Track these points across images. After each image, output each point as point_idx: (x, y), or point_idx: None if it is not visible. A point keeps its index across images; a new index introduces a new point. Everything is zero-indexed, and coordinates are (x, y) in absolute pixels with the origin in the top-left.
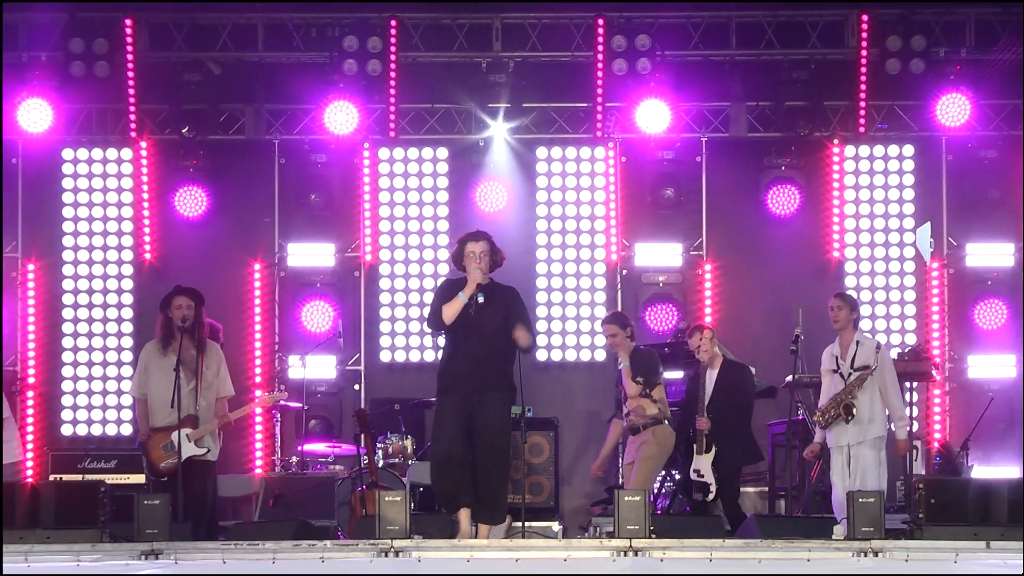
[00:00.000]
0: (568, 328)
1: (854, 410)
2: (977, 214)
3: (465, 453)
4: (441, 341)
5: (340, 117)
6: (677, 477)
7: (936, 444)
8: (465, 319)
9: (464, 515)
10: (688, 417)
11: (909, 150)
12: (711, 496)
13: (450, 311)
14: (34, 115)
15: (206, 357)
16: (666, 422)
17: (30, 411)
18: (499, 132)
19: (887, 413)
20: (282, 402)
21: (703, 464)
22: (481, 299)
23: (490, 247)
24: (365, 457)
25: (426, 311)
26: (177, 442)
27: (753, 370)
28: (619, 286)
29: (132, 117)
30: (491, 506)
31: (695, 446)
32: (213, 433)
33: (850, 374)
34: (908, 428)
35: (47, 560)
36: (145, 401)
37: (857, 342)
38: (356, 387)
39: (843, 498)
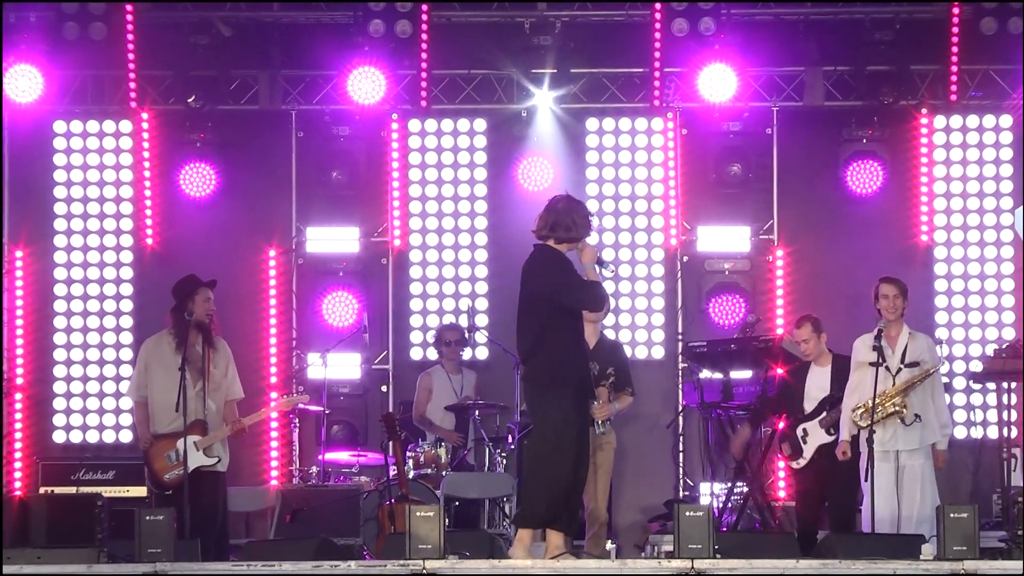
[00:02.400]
0: (622, 322)
1: (909, 410)
2: None
3: None
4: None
5: (365, 85)
6: (745, 489)
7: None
8: None
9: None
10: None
11: (1007, 120)
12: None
13: None
14: (22, 83)
15: (214, 355)
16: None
17: (18, 416)
18: (544, 101)
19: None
20: (301, 406)
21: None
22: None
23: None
24: (394, 467)
25: (463, 303)
26: (183, 451)
27: None
28: (679, 275)
29: (132, 85)
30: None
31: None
32: (223, 441)
33: (899, 370)
34: (950, 437)
35: None
36: (146, 404)
37: (909, 334)
38: (383, 388)
39: (885, 511)
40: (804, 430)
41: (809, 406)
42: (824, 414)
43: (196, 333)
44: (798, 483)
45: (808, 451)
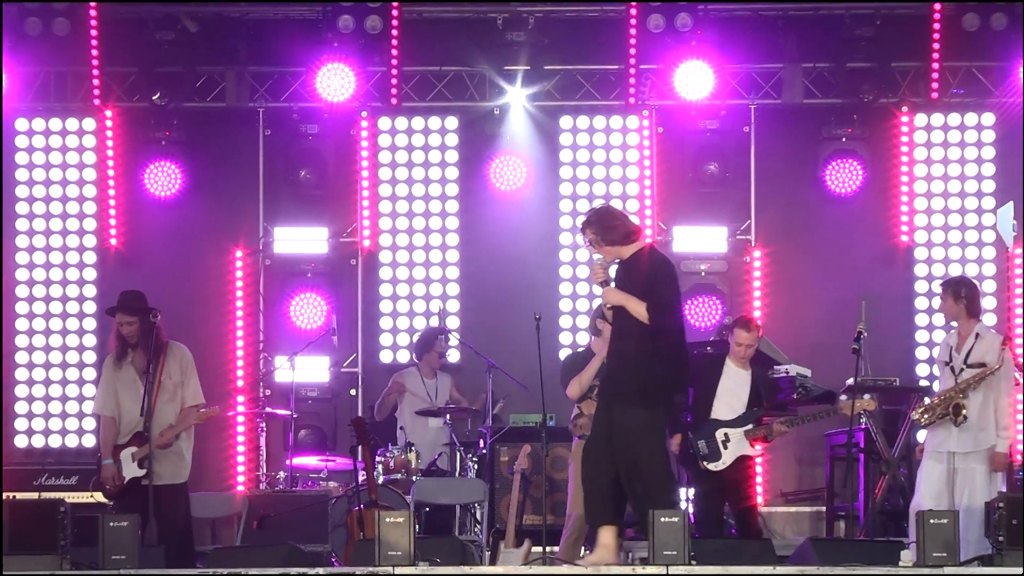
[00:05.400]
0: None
1: (964, 411)
2: None
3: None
4: None
5: (334, 82)
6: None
7: (1020, 457)
8: None
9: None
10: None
11: (989, 119)
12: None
13: None
14: None
15: (166, 362)
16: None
17: None
18: (517, 99)
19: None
20: (269, 410)
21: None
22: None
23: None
24: (363, 472)
25: (434, 305)
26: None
27: (809, 372)
28: None
29: (96, 82)
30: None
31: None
32: (179, 452)
33: (962, 369)
34: (1011, 440)
35: None
36: (112, 419)
37: (976, 334)
38: (352, 392)
39: None
40: (726, 435)
41: (722, 408)
42: (751, 426)
43: (141, 351)
44: (704, 483)
45: (728, 457)
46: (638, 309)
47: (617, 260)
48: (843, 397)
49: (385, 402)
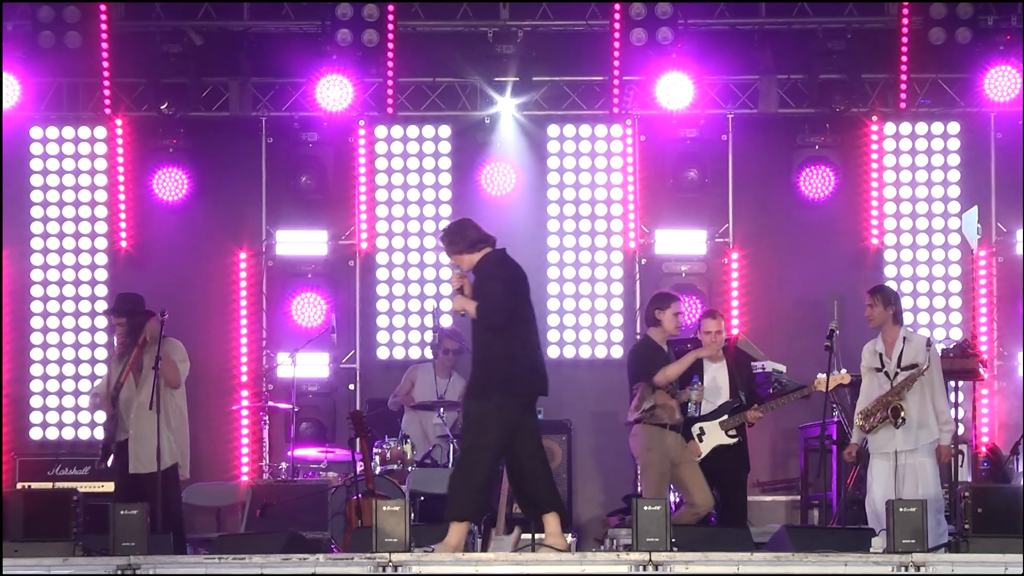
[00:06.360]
0: (582, 322)
1: (903, 413)
2: None
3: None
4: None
5: (333, 92)
6: None
7: (984, 448)
8: None
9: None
10: None
11: (955, 127)
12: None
13: None
14: None
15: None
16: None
17: None
18: (507, 108)
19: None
20: (270, 403)
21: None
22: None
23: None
24: (361, 463)
25: (428, 304)
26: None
27: (784, 368)
28: (638, 276)
29: (106, 92)
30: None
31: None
32: (171, 443)
33: (897, 373)
34: (953, 433)
35: (16, 575)
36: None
37: (904, 338)
38: (351, 387)
39: (882, 508)
40: (701, 428)
41: (704, 404)
42: (726, 417)
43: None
44: None
45: (705, 449)
46: (470, 308)
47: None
48: (820, 375)
49: (400, 390)
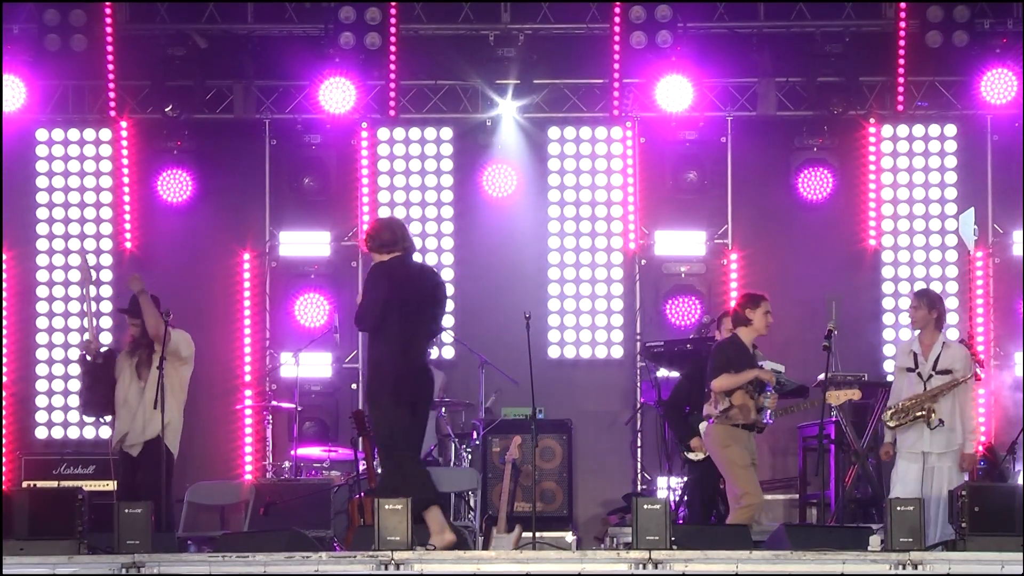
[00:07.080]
0: (583, 323)
1: (936, 415)
2: None
3: None
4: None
5: (336, 95)
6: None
7: (981, 448)
8: None
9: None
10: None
11: (951, 130)
12: None
13: None
14: (6, 93)
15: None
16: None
17: (2, 412)
18: (508, 111)
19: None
20: (274, 403)
21: None
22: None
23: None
24: (363, 462)
25: None
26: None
27: (783, 368)
28: (637, 277)
29: (111, 95)
30: None
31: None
32: (129, 407)
33: (931, 376)
34: (977, 442)
35: (20, 573)
36: None
37: (943, 343)
38: (353, 386)
39: None
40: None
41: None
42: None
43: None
44: (692, 471)
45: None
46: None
47: None
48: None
49: None
